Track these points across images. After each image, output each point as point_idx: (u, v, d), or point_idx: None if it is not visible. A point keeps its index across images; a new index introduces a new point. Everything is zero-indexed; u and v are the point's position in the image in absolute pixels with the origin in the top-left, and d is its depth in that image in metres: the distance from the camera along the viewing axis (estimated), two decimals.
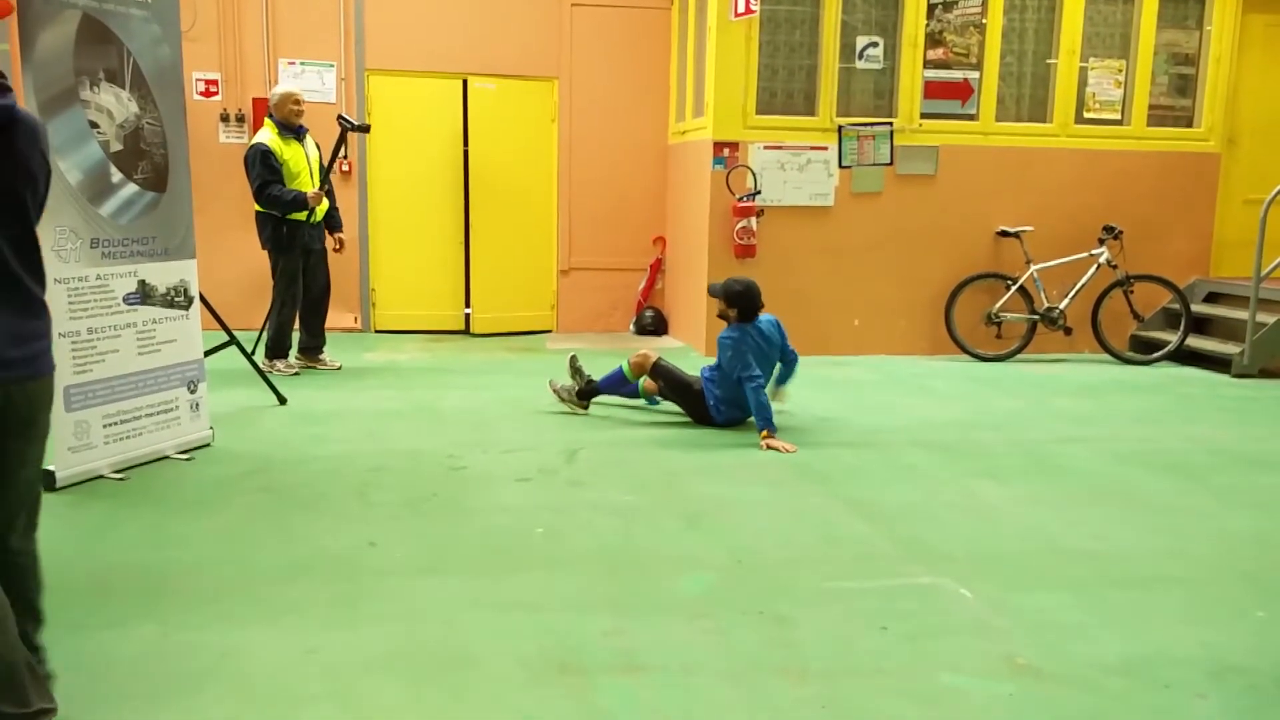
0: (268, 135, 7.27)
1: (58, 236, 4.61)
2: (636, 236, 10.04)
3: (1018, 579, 3.92)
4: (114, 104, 4.90)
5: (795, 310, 8.42)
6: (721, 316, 6.15)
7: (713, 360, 6.33)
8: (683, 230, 9.49)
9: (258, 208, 7.35)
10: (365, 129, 7.80)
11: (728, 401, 6.10)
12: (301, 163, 7.35)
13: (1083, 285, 8.76)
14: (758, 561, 4.05)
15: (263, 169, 7.13)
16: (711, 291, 6.18)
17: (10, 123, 2.38)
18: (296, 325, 7.64)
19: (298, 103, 7.39)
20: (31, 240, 2.44)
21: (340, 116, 7.58)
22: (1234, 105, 9.24)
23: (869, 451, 5.73)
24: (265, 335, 7.51)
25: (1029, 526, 4.53)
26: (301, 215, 7.29)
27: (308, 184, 7.35)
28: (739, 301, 6.00)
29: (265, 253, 7.48)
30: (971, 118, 8.87)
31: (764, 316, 6.12)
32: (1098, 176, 9.02)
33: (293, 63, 9.40)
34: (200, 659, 3.09)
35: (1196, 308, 8.96)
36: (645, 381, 6.35)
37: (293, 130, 7.37)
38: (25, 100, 4.58)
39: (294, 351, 7.73)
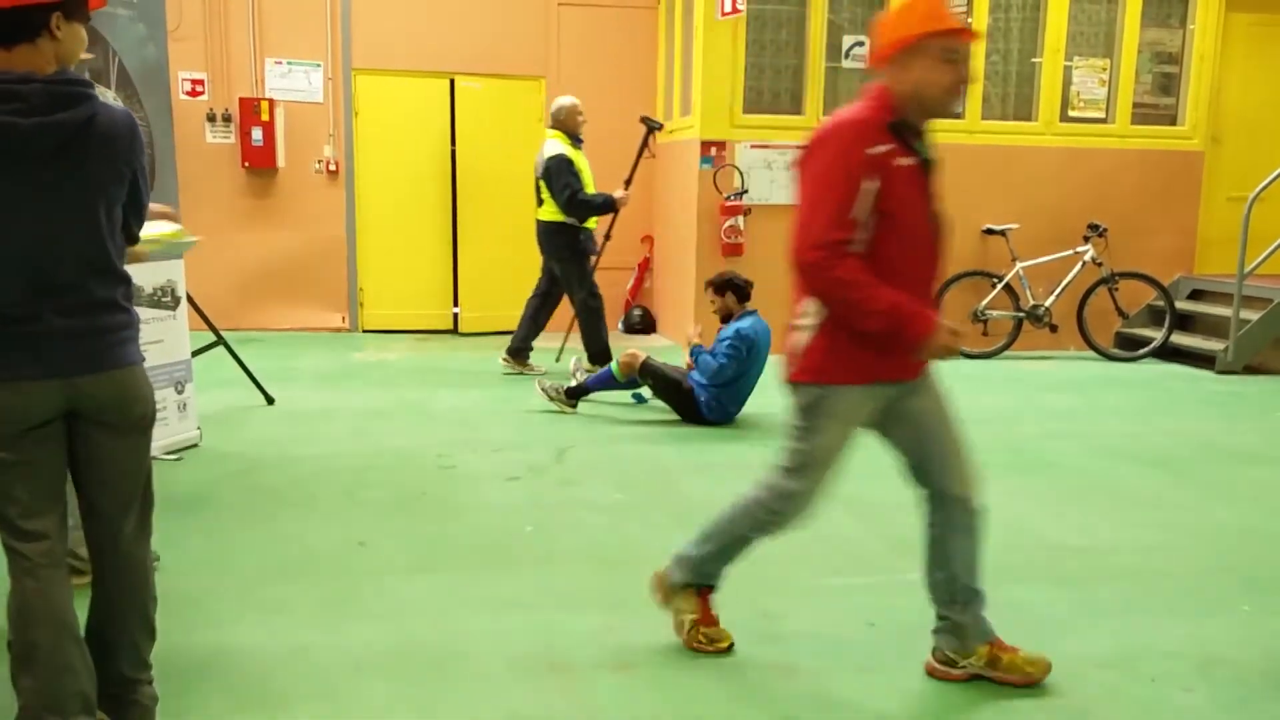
0: (561, 146, 7.25)
1: None
2: (624, 235, 10.01)
3: (1005, 574, 3.93)
4: None
5: (782, 309, 8.40)
6: (725, 317, 6.18)
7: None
8: (670, 229, 9.50)
9: (549, 217, 7.30)
10: (660, 127, 7.81)
11: (719, 399, 6.12)
12: (588, 170, 7.37)
13: (1068, 283, 8.80)
14: (747, 558, 4.05)
15: (570, 177, 7.13)
16: (710, 284, 6.30)
17: (85, 131, 2.35)
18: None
19: (581, 113, 7.43)
20: (102, 245, 2.44)
21: (644, 117, 7.67)
22: (1217, 103, 9.30)
23: (856, 448, 5.73)
24: (585, 348, 7.53)
25: (1016, 522, 4.55)
26: (593, 222, 7.34)
27: (591, 190, 7.35)
28: (730, 286, 6.18)
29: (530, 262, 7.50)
30: (957, 116, 8.89)
31: (763, 324, 6.14)
32: (1082, 174, 9.06)
33: (280, 62, 9.37)
34: (189, 659, 3.08)
35: (1181, 305, 9.02)
36: (621, 357, 6.34)
37: (577, 140, 7.36)
38: None
39: (503, 353, 7.76)
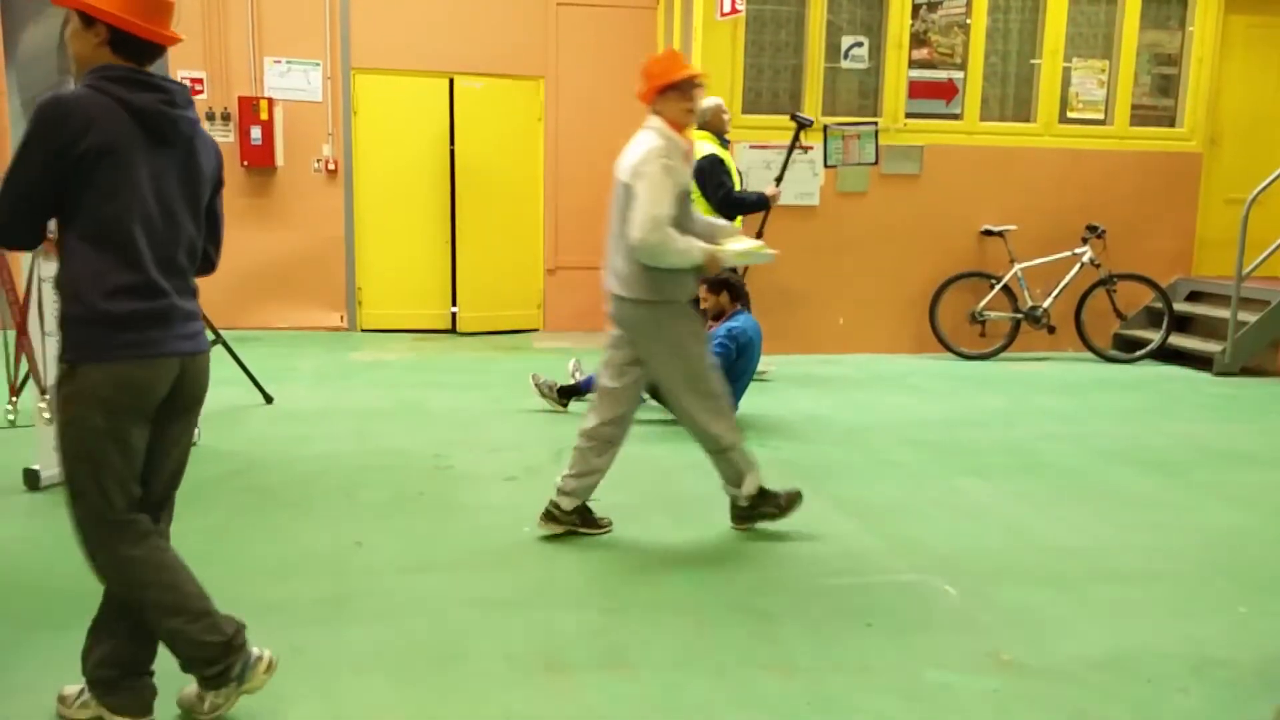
0: (711, 146, 7.12)
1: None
2: None
3: (1002, 575, 3.94)
4: None
5: (781, 309, 8.45)
6: (715, 316, 6.22)
7: None
8: None
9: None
10: (810, 123, 7.76)
11: None
12: (734, 169, 7.31)
13: (1066, 284, 8.81)
14: (744, 558, 4.07)
15: (724, 176, 7.05)
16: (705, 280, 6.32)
17: (196, 133, 2.66)
18: None
19: (726, 111, 7.37)
20: (199, 235, 2.72)
21: (793, 114, 7.57)
22: (1215, 105, 9.31)
23: (854, 449, 5.75)
24: None
25: (1013, 523, 4.56)
26: (738, 221, 7.24)
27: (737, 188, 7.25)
28: (726, 285, 6.22)
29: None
30: (956, 117, 8.91)
31: (753, 322, 6.17)
32: (1081, 176, 9.07)
33: (278, 61, 9.37)
34: None
35: (1178, 306, 9.03)
36: None
37: (724, 139, 7.32)
38: (9, 98, 4.57)
39: None
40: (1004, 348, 8.79)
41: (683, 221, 4.10)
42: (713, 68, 8.43)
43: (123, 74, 2.51)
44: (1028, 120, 9.07)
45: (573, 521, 4.29)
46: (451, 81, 9.54)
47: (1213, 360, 8.33)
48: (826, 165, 8.65)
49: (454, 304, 9.86)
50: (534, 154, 9.90)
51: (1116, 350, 9.03)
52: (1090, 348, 8.91)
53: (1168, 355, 8.83)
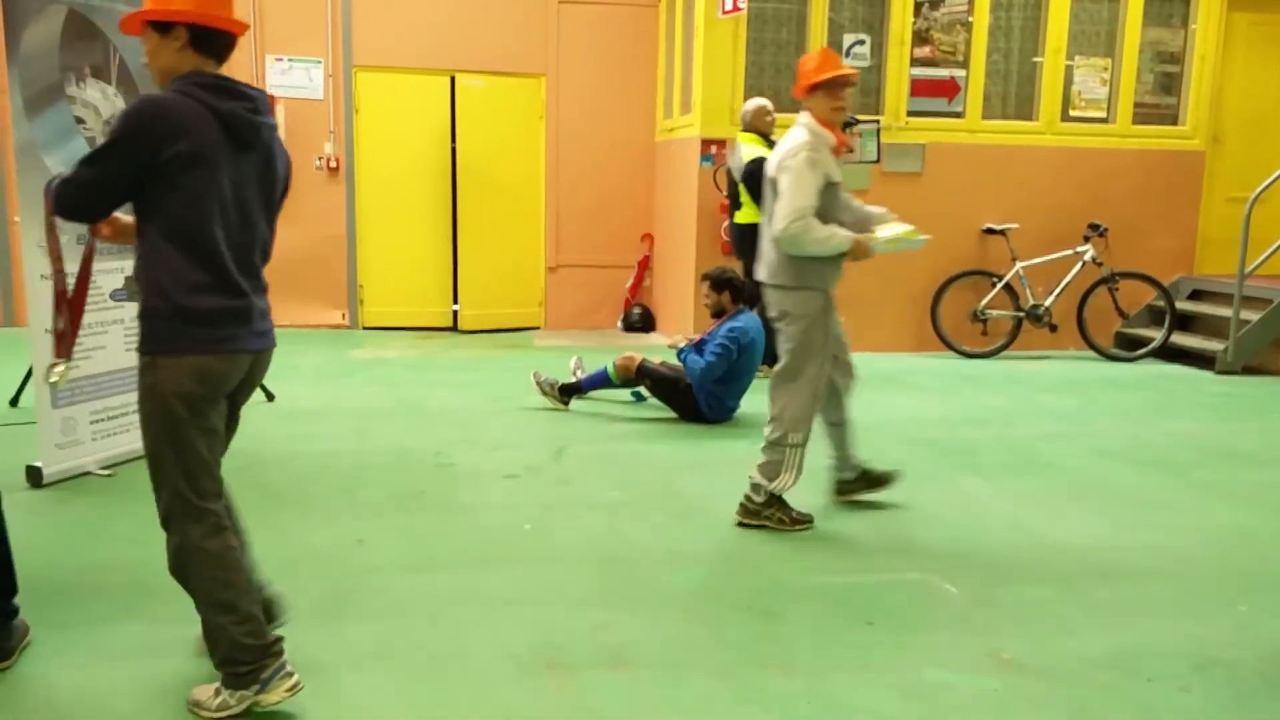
0: (759, 149, 7.14)
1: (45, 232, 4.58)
2: (624, 234, 10.05)
3: (1003, 574, 3.94)
4: (100, 100, 4.88)
5: None
6: (716, 315, 6.22)
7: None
8: (670, 227, 9.50)
9: (749, 220, 7.11)
10: (856, 122, 7.73)
11: (718, 396, 6.12)
12: None
13: (1068, 282, 8.80)
14: (745, 556, 4.07)
15: None
16: (709, 277, 6.34)
17: (274, 139, 2.79)
18: None
19: (770, 113, 7.39)
20: (272, 237, 2.85)
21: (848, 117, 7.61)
22: (1218, 103, 9.30)
23: (860, 450, 5.73)
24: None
25: (1014, 522, 4.56)
26: None
27: None
28: (730, 285, 6.21)
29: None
30: (958, 115, 8.90)
31: (756, 322, 6.14)
32: (1083, 174, 9.06)
33: (280, 59, 9.37)
34: (188, 656, 3.08)
35: (1181, 305, 9.02)
36: (618, 360, 6.36)
37: (769, 140, 7.29)
38: (10, 96, 4.56)
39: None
40: (1005, 346, 8.78)
41: (831, 210, 4.23)
42: (714, 65, 8.43)
43: (211, 81, 2.61)
44: (1030, 118, 9.06)
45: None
46: (453, 79, 9.54)
47: (1215, 359, 8.33)
48: None
49: (455, 302, 9.86)
50: (535, 152, 9.90)
51: (1118, 349, 9.02)
52: (1092, 346, 8.90)
53: (1170, 354, 8.83)
